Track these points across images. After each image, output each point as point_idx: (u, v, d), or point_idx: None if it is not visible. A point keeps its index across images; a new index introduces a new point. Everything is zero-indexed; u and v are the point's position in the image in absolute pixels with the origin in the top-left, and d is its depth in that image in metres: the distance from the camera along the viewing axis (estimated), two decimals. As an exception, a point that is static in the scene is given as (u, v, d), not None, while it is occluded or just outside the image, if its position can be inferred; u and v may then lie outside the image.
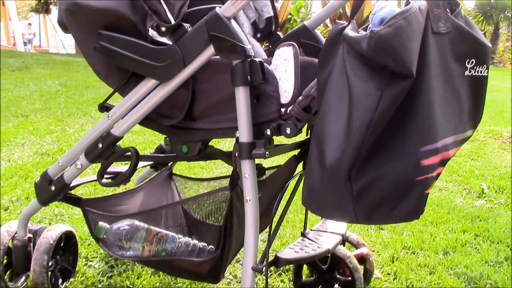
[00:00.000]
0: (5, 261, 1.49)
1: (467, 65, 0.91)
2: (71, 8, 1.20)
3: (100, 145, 1.26)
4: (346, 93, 0.82)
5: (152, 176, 1.76)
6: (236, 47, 1.05)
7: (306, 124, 1.14)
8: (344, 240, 1.64)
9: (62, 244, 1.56)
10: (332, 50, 0.91)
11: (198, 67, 1.12)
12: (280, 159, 2.74)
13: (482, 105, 0.98)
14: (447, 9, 0.88)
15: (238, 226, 1.25)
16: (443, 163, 0.86)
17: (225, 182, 1.64)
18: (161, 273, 1.67)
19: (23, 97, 5.05)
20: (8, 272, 1.53)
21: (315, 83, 1.03)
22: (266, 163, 2.45)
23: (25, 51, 16.12)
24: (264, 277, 1.57)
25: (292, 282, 1.61)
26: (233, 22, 1.07)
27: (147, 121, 1.25)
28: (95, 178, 1.32)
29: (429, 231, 2.15)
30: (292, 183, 1.34)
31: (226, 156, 1.40)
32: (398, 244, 2.00)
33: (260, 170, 1.18)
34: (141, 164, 1.65)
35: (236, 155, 1.13)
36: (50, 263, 1.45)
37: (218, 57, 1.12)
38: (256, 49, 1.57)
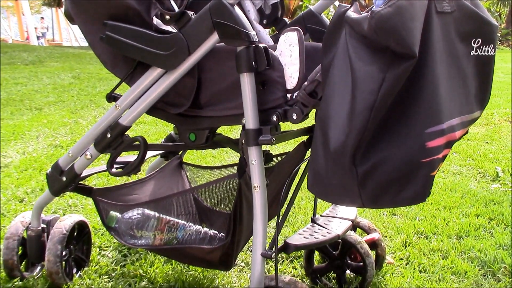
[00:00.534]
0: (20, 251, 1.52)
1: (473, 44, 0.89)
2: (76, -1, 1.20)
3: (109, 135, 1.27)
4: (349, 76, 0.81)
5: (162, 166, 1.77)
6: (240, 33, 1.05)
7: (314, 110, 1.14)
8: (355, 226, 1.64)
9: (75, 234, 1.57)
10: (336, 33, 0.90)
11: (203, 54, 1.12)
12: (290, 146, 2.74)
13: (490, 85, 0.97)
14: (452, -12, 0.86)
15: (247, 213, 1.26)
16: (449, 144, 0.85)
17: (236, 170, 1.64)
18: (173, 261, 1.68)
19: (37, 91, 5.09)
20: (23, 262, 1.56)
21: (320, 67, 1.02)
22: (276, 150, 2.45)
23: (38, 45, 16.23)
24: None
25: (303, 268, 1.61)
26: (236, 8, 1.07)
27: (155, 110, 1.26)
28: (105, 168, 1.33)
29: (442, 216, 2.14)
30: (302, 169, 1.34)
31: (234, 144, 1.40)
32: (411, 229, 1.98)
33: (267, 156, 1.18)
34: (151, 153, 1.66)
35: (243, 142, 1.13)
36: (64, 253, 1.47)
37: (223, 44, 1.12)
38: (262, 35, 1.56)
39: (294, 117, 1.09)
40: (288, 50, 1.12)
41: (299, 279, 1.61)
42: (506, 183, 2.62)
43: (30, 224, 1.52)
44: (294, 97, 1.12)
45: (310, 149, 1.38)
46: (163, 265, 1.68)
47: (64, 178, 1.38)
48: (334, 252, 1.53)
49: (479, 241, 1.90)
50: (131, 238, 1.41)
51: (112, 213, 1.43)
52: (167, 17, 1.12)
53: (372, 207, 0.99)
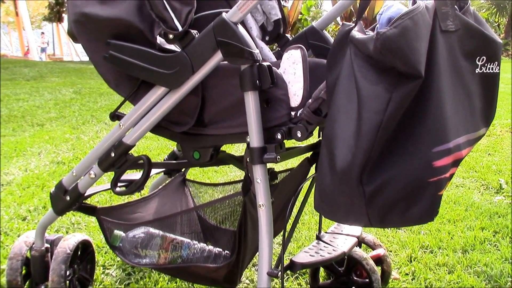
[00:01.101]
0: (24, 271, 1.51)
1: (477, 62, 0.89)
2: (79, 19, 1.21)
3: (113, 154, 1.27)
4: (355, 95, 0.81)
5: (166, 183, 1.76)
6: (243, 52, 1.05)
7: (317, 127, 1.13)
8: (360, 242, 1.63)
9: (79, 253, 1.57)
10: (340, 52, 0.90)
11: (207, 73, 1.12)
12: (294, 161, 2.74)
13: (495, 102, 0.96)
14: (455, 7, 0.87)
15: (252, 231, 1.25)
16: (456, 163, 0.85)
17: (239, 187, 1.64)
18: (178, 279, 1.67)
19: (38, 106, 5.11)
20: (27, 282, 1.55)
21: (324, 85, 1.02)
22: (280, 165, 2.45)
23: (39, 60, 16.31)
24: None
25: (309, 285, 1.60)
26: (240, 27, 1.07)
27: (158, 128, 1.26)
28: (109, 186, 1.32)
29: (447, 229, 2.13)
30: (306, 185, 1.34)
31: (237, 161, 1.40)
32: (416, 244, 1.97)
33: (272, 174, 1.18)
34: (154, 171, 1.65)
35: (248, 160, 1.12)
36: (68, 273, 1.46)
37: (227, 62, 1.12)
38: (265, 52, 1.56)
39: (299, 134, 1.09)
40: (292, 68, 1.12)
41: (305, 296, 1.59)
42: (509, 195, 2.61)
43: (33, 244, 1.51)
44: (298, 114, 1.11)
45: (314, 165, 1.38)
46: (167, 283, 1.67)
47: (68, 198, 1.37)
48: (340, 269, 1.52)
49: (485, 255, 1.89)
50: (136, 257, 1.40)
51: (116, 232, 1.42)
52: (171, 36, 1.12)
53: (379, 226, 0.98)
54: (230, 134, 1.19)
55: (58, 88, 6.53)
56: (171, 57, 1.13)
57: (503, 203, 2.48)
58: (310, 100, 1.07)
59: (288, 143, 1.21)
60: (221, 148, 1.30)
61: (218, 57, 1.09)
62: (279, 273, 1.10)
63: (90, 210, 1.45)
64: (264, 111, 1.11)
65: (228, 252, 1.38)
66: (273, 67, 1.10)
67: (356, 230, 1.44)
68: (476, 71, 0.90)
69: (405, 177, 0.80)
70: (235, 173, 2.94)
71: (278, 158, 1.09)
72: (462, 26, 0.86)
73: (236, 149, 3.43)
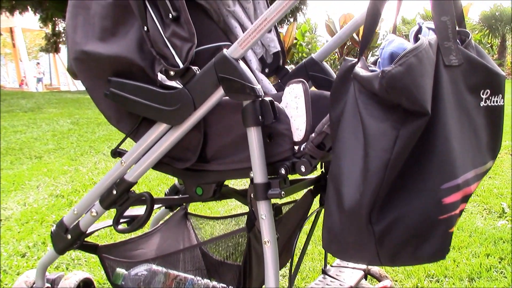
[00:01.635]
0: (24, 312, 1.48)
1: (482, 95, 0.89)
2: (80, 57, 1.21)
3: (115, 192, 1.25)
4: (361, 132, 0.80)
5: (167, 217, 1.74)
6: (245, 88, 1.04)
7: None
8: (366, 274, 1.61)
9: (80, 292, 1.54)
10: (343, 87, 0.90)
11: (208, 109, 1.11)
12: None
13: (500, 134, 0.96)
14: (457, 40, 0.87)
15: (257, 266, 1.23)
16: (465, 199, 0.84)
17: (242, 220, 1.62)
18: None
19: (36, 138, 5.10)
20: (27, 323, 1.52)
21: (327, 119, 1.02)
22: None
23: (36, 91, 16.36)
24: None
25: (315, 319, 1.57)
26: (241, 63, 1.07)
27: (160, 164, 1.24)
28: (111, 223, 1.31)
29: (452, 257, 2.10)
30: (310, 217, 1.32)
31: (241, 196, 1.39)
32: (421, 273, 1.95)
33: (276, 210, 1.17)
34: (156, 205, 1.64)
35: (252, 195, 1.11)
36: (69, 312, 1.43)
37: (228, 98, 1.11)
38: (264, 84, 1.57)
39: (303, 169, 1.08)
40: (294, 102, 1.12)
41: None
42: (512, 219, 2.59)
43: (34, 283, 1.48)
44: (301, 149, 1.11)
45: (317, 197, 1.37)
46: (170, 320, 1.64)
47: (69, 236, 1.36)
48: (346, 302, 1.49)
49: (492, 282, 1.86)
50: (138, 295, 1.38)
51: (119, 270, 1.40)
52: (172, 73, 1.11)
53: (390, 265, 0.97)
54: (233, 170, 1.17)
55: (55, 119, 6.54)
56: (172, 93, 1.12)
57: (507, 227, 2.46)
58: (313, 134, 1.06)
59: (291, 176, 1.20)
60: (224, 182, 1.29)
61: (219, 93, 1.08)
62: (287, 311, 1.08)
63: (92, 249, 1.43)
64: (267, 146, 1.10)
65: (232, 287, 1.35)
66: (275, 102, 1.10)
67: (362, 262, 1.42)
68: (481, 105, 0.89)
69: (415, 215, 0.79)
70: (236, 203, 2.92)
71: (283, 194, 1.08)
72: (465, 60, 0.86)
73: (239, 181, 3.41)
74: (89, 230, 1.38)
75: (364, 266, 1.39)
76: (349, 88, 0.87)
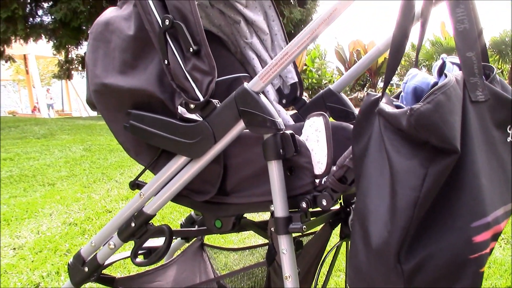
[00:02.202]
0: None
1: (508, 131, 0.88)
2: (99, 89, 1.21)
3: (133, 224, 1.25)
4: (387, 168, 0.79)
5: (184, 248, 1.73)
6: (266, 121, 1.04)
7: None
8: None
9: (95, 325, 1.52)
10: (367, 122, 0.89)
11: (229, 142, 1.10)
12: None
13: (527, 169, 0.94)
14: (483, 76, 0.86)
15: (276, 301, 1.21)
16: (495, 237, 0.82)
17: (257, 250, 1.60)
18: None
19: (49, 165, 5.12)
20: None
21: (349, 152, 1.01)
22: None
23: (48, 117, 16.53)
24: None
25: None
26: (262, 96, 1.07)
27: (179, 197, 1.24)
28: (127, 255, 1.30)
29: (472, 288, 2.06)
30: (327, 249, 1.30)
31: (259, 228, 1.37)
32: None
33: (298, 244, 1.15)
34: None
35: (272, 229, 1.10)
36: None
37: (249, 131, 1.11)
38: (282, 115, 1.57)
39: (324, 203, 1.06)
40: (315, 135, 1.11)
41: None
42: (532, 249, 2.55)
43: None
44: (323, 182, 1.10)
45: (335, 229, 1.35)
46: None
47: (86, 269, 1.35)
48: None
49: (514, 316, 1.82)
50: (155, 329, 1.36)
51: (135, 303, 1.38)
52: (192, 106, 1.12)
53: (418, 305, 0.94)
54: (253, 203, 1.16)
55: (68, 145, 6.57)
56: (192, 126, 1.12)
57: (526, 258, 2.41)
58: (334, 168, 1.05)
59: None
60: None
61: (240, 126, 1.08)
62: None
63: (109, 281, 1.42)
64: (288, 179, 1.09)
65: (250, 322, 1.33)
66: (296, 135, 1.09)
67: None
68: (508, 140, 0.88)
69: (445, 254, 0.77)
70: (250, 232, 2.89)
71: (304, 228, 1.06)
72: (491, 95, 0.85)
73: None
74: (106, 262, 1.37)
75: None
76: (373, 122, 0.87)
